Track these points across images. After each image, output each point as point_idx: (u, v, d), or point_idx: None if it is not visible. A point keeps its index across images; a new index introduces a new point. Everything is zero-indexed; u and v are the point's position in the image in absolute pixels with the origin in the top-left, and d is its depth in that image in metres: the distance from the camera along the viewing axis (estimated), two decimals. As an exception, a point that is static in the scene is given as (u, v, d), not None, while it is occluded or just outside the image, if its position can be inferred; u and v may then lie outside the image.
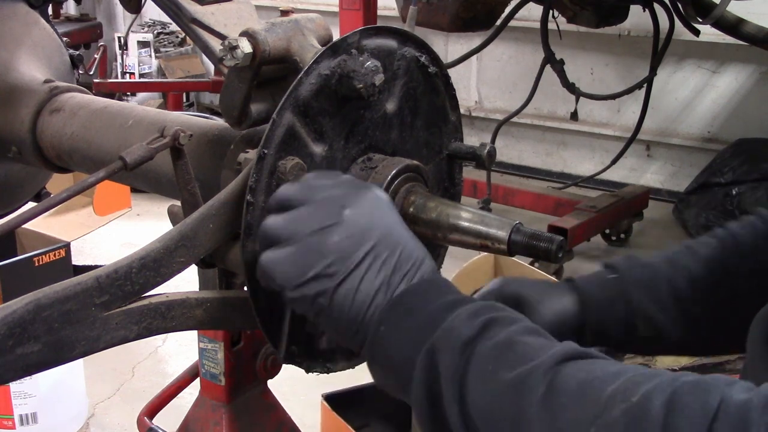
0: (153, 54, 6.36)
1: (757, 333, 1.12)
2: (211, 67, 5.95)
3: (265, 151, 0.93)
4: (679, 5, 3.62)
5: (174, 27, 6.34)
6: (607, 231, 4.22)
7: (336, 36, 1.02)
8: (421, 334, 0.83)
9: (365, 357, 0.88)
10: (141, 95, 6.31)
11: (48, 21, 1.59)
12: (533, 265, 2.90)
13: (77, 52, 1.63)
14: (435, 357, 0.81)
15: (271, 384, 1.40)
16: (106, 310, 0.89)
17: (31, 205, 1.66)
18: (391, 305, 0.86)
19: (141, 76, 6.29)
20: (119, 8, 6.99)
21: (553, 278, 2.71)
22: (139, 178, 1.20)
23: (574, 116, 4.16)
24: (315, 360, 1.06)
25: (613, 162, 4.36)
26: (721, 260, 1.22)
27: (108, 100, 1.36)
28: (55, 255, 2.95)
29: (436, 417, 0.81)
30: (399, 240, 0.88)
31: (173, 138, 0.98)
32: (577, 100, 4.05)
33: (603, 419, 0.70)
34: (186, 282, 1.07)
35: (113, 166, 0.97)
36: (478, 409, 0.77)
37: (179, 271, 0.94)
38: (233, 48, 0.96)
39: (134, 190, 4.44)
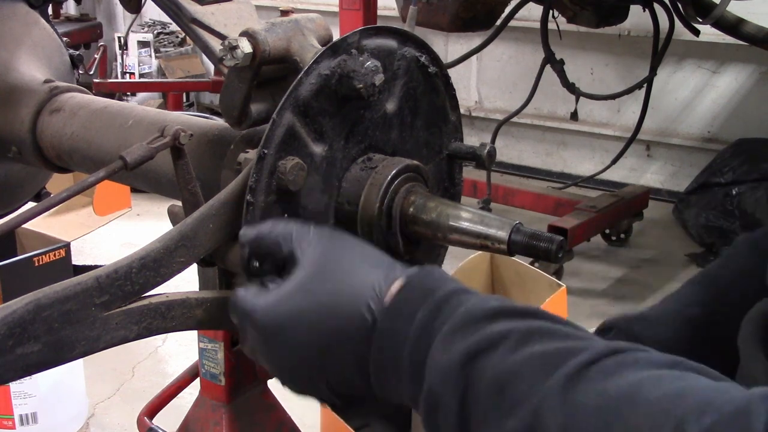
0: (153, 54, 6.36)
1: (748, 333, 1.13)
2: (211, 67, 5.95)
3: (265, 151, 0.93)
4: (679, 5, 3.62)
5: (174, 27, 6.34)
6: (607, 231, 4.22)
7: (336, 36, 1.02)
8: (419, 378, 0.77)
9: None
10: (141, 95, 6.30)
11: (48, 21, 1.59)
12: (533, 265, 2.90)
13: (77, 52, 1.63)
14: (433, 404, 0.75)
15: (271, 384, 1.40)
16: (106, 310, 0.89)
17: (31, 205, 1.66)
18: (372, 364, 0.81)
19: (141, 76, 6.29)
20: (119, 8, 6.99)
21: (554, 278, 2.71)
22: (139, 178, 1.20)
23: (574, 116, 4.16)
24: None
25: (613, 162, 4.36)
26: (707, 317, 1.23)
27: (108, 100, 1.36)
28: (55, 255, 2.94)
29: None
30: (314, 336, 0.84)
31: (174, 137, 0.98)
32: (577, 100, 4.05)
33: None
34: (186, 282, 1.07)
35: (113, 165, 0.97)
36: None
37: (179, 271, 0.94)
38: (233, 48, 0.96)
39: (134, 190, 4.44)
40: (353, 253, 0.87)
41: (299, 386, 0.89)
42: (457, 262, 2.73)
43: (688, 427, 0.61)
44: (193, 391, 1.46)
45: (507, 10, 3.88)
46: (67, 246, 3.05)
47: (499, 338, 0.73)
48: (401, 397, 0.81)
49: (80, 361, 2.47)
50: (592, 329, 3.07)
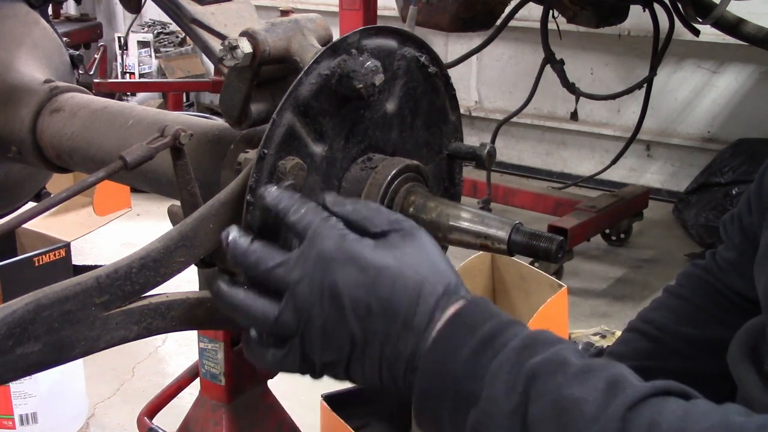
0: (153, 54, 6.36)
1: (737, 354, 1.14)
2: (211, 67, 5.95)
3: (265, 151, 0.93)
4: (679, 5, 3.62)
5: (174, 27, 6.34)
6: (607, 231, 4.22)
7: (336, 36, 1.02)
8: (460, 408, 0.77)
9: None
10: (141, 95, 6.30)
11: (48, 21, 1.59)
12: (533, 265, 2.90)
13: (77, 52, 1.63)
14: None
15: (271, 384, 1.40)
16: (106, 310, 0.89)
17: (31, 205, 1.66)
18: (417, 387, 0.80)
19: (141, 76, 6.29)
20: (119, 8, 6.99)
21: (554, 278, 2.71)
22: (139, 178, 1.20)
23: (574, 116, 4.16)
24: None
25: (613, 162, 4.36)
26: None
27: (108, 100, 1.36)
28: (55, 255, 2.95)
29: None
30: (384, 296, 0.81)
31: (174, 137, 0.98)
32: (577, 100, 4.05)
33: None
34: (186, 282, 1.07)
35: (113, 165, 0.97)
36: None
37: (179, 271, 0.94)
38: (233, 48, 0.96)
39: (134, 190, 4.44)
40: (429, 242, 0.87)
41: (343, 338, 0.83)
42: (457, 262, 2.73)
43: None
44: (193, 391, 1.46)
45: (507, 10, 3.88)
46: (67, 246, 3.05)
47: (557, 366, 0.74)
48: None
49: (80, 361, 2.47)
50: (592, 329, 3.07)
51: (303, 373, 0.88)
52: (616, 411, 0.69)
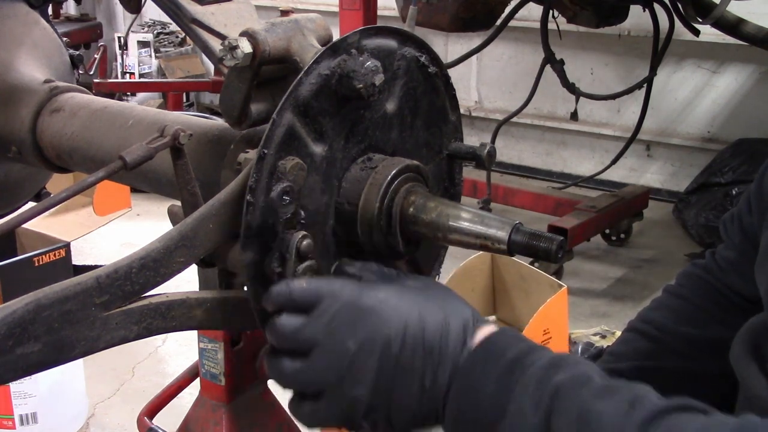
0: (153, 54, 6.36)
1: (740, 352, 1.14)
2: (211, 67, 5.95)
3: (265, 151, 0.93)
4: (679, 5, 3.62)
5: (174, 27, 6.34)
6: (607, 231, 4.22)
7: (336, 36, 1.02)
8: (490, 423, 0.81)
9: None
10: (141, 95, 6.30)
11: (48, 21, 1.59)
12: (533, 265, 2.90)
13: (77, 52, 1.63)
14: None
15: (271, 384, 1.40)
16: (106, 310, 0.89)
17: (31, 205, 1.67)
18: (453, 396, 0.84)
19: (141, 76, 6.29)
20: (119, 8, 6.99)
21: (554, 278, 2.71)
22: (139, 178, 1.20)
23: (574, 116, 4.16)
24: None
25: (613, 162, 4.36)
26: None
27: (108, 100, 1.36)
28: (55, 255, 2.95)
29: None
30: (416, 328, 0.86)
31: (173, 137, 0.98)
32: (577, 100, 4.05)
33: None
34: (186, 282, 1.07)
35: (113, 165, 0.97)
36: None
37: (179, 271, 0.94)
38: (233, 48, 0.96)
39: (134, 190, 4.44)
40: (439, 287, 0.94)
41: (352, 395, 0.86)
42: (457, 262, 2.74)
43: None
44: (193, 391, 1.46)
45: (507, 10, 3.88)
46: (67, 246, 3.05)
47: (582, 383, 0.78)
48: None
49: (80, 361, 2.47)
50: (592, 329, 3.06)
51: (344, 423, 0.89)
52: (635, 421, 0.72)
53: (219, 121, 1.20)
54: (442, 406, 0.85)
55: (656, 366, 1.31)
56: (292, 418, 0.93)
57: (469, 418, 0.82)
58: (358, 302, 0.87)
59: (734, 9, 3.48)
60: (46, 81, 1.40)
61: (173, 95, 5.72)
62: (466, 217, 0.99)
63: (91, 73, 4.96)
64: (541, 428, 0.77)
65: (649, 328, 1.39)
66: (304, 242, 0.94)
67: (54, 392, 2.56)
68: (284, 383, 0.91)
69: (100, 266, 0.89)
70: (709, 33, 3.98)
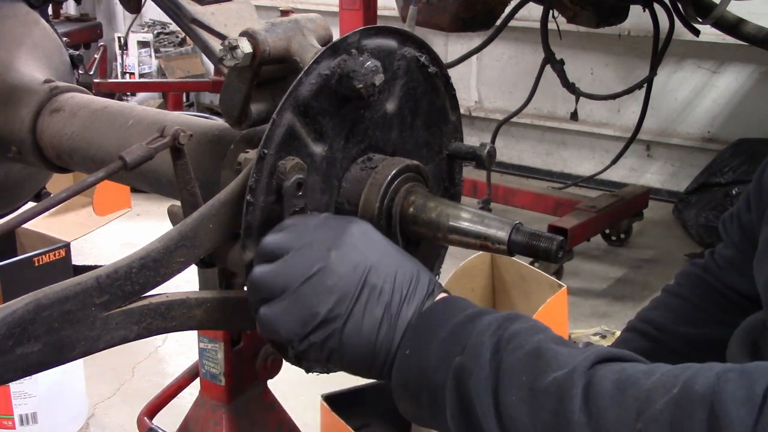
0: (153, 54, 6.36)
1: (737, 349, 1.14)
2: (211, 67, 5.95)
3: (265, 151, 0.93)
4: (679, 5, 3.62)
5: (174, 27, 6.34)
6: (607, 231, 4.22)
7: (336, 36, 1.02)
8: (447, 356, 0.83)
9: (391, 385, 0.89)
10: (141, 95, 6.30)
11: (48, 21, 1.59)
12: (533, 265, 2.90)
13: (77, 52, 1.63)
14: (464, 376, 0.81)
15: (271, 384, 1.40)
16: (106, 310, 0.89)
17: (31, 205, 1.67)
18: (412, 331, 0.87)
19: (141, 76, 6.29)
20: (119, 8, 6.99)
21: (554, 278, 2.71)
22: (138, 178, 1.20)
23: (574, 116, 4.16)
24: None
25: (613, 162, 4.36)
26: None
27: (108, 100, 1.36)
28: (55, 255, 2.95)
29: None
30: (390, 266, 0.90)
31: (173, 138, 0.98)
32: (577, 100, 4.05)
33: (647, 414, 0.70)
34: (186, 282, 1.07)
35: (113, 165, 0.97)
36: (517, 422, 0.77)
37: (179, 271, 0.94)
38: (233, 48, 0.96)
39: (134, 190, 4.44)
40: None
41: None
42: (457, 262, 2.73)
43: (698, 380, 0.70)
44: (193, 391, 1.46)
45: (507, 10, 3.88)
46: (67, 246, 3.05)
47: (539, 330, 0.84)
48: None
49: (80, 361, 2.47)
50: (592, 329, 3.06)
51: (295, 333, 0.88)
52: (588, 358, 0.77)
53: (219, 121, 1.20)
54: (398, 343, 0.87)
55: None
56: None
57: (426, 356, 0.84)
58: (346, 225, 0.92)
59: (734, 9, 3.48)
60: (46, 81, 1.40)
61: (173, 95, 5.71)
62: (466, 217, 0.99)
63: (91, 73, 4.96)
64: (495, 360, 0.80)
65: (648, 328, 1.39)
66: None
67: (54, 392, 2.56)
68: (252, 289, 0.92)
69: (100, 266, 0.89)
70: (709, 33, 3.98)
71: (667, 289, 1.44)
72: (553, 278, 2.70)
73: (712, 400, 0.68)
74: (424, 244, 1.07)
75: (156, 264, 0.91)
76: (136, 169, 0.97)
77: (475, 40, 4.50)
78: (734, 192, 4.17)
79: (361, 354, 0.87)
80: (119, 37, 6.36)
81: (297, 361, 0.97)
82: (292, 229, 0.92)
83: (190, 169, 1.02)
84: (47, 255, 2.92)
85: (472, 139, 5.21)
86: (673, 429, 0.69)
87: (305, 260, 0.88)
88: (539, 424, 0.75)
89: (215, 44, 1.27)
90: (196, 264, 0.99)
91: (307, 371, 1.05)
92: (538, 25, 4.00)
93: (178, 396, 1.67)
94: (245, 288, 0.98)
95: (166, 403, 1.67)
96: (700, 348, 1.32)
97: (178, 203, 1.07)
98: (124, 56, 6.30)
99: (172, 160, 1.00)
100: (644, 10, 3.87)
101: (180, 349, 3.25)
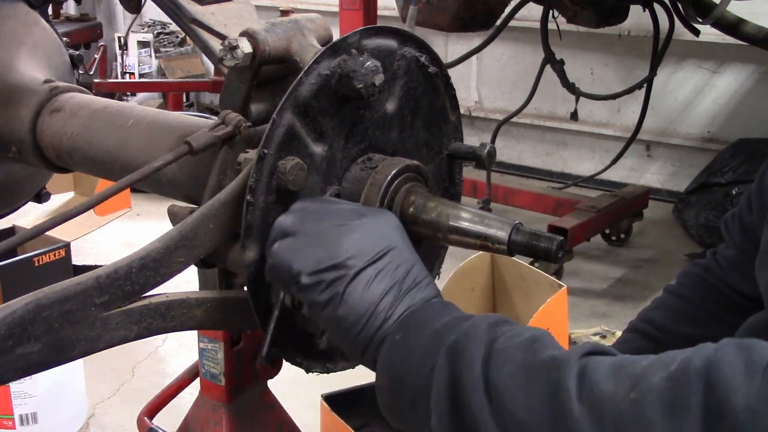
0: (153, 54, 6.36)
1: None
2: (211, 67, 5.95)
3: (265, 151, 0.93)
4: (679, 5, 3.62)
5: (174, 27, 6.33)
6: (607, 231, 4.22)
7: (336, 36, 1.02)
8: (441, 339, 0.83)
9: (373, 363, 0.88)
10: (141, 95, 6.30)
11: (48, 21, 1.59)
12: (533, 265, 2.90)
13: (77, 52, 1.63)
14: (457, 352, 0.81)
15: (271, 384, 1.40)
16: (106, 310, 0.89)
17: (30, 205, 1.67)
18: (409, 314, 0.87)
19: (141, 76, 6.29)
20: (119, 8, 6.99)
21: (554, 278, 2.71)
22: (139, 178, 1.20)
23: (574, 116, 4.16)
24: (315, 360, 1.06)
25: (613, 162, 4.36)
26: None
27: (108, 100, 1.36)
28: (55, 255, 2.94)
29: (458, 411, 0.79)
30: (411, 256, 0.91)
31: (235, 126, 0.99)
32: (577, 100, 4.05)
33: (642, 385, 0.69)
34: (186, 282, 1.07)
35: (180, 150, 0.98)
36: (507, 392, 0.76)
37: (179, 271, 0.94)
38: (233, 48, 0.97)
39: (134, 190, 4.43)
40: None
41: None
42: (457, 262, 2.73)
43: (695, 356, 0.70)
44: (193, 391, 1.46)
45: (507, 10, 3.88)
46: (67, 246, 3.05)
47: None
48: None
49: (80, 361, 2.47)
50: (592, 329, 3.06)
51: (307, 264, 0.89)
52: (585, 347, 0.77)
53: (219, 121, 1.20)
54: (396, 320, 0.87)
55: None
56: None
57: (418, 338, 0.84)
58: (380, 210, 0.96)
59: (734, 9, 3.47)
60: (46, 81, 1.40)
61: (173, 95, 5.71)
62: (466, 217, 0.99)
63: (91, 73, 4.96)
64: (490, 338, 0.80)
65: (649, 327, 1.39)
66: None
67: (54, 392, 2.56)
68: (273, 230, 0.93)
69: (100, 266, 0.89)
70: (709, 33, 3.98)
71: (669, 289, 1.44)
72: (553, 278, 2.70)
73: (709, 369, 0.68)
74: (424, 244, 1.07)
75: (156, 264, 0.91)
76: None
77: (475, 40, 4.50)
78: (734, 192, 4.17)
79: (359, 312, 0.87)
80: (119, 37, 6.36)
81: (292, 305, 0.97)
82: (324, 200, 0.96)
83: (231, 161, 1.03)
84: (47, 255, 2.92)
85: (472, 139, 5.21)
86: (669, 397, 0.68)
87: (337, 215, 0.91)
88: (531, 398, 0.74)
89: (215, 44, 1.27)
90: (196, 264, 0.99)
91: (307, 371, 1.06)
92: (538, 25, 4.00)
93: (178, 396, 1.67)
94: (245, 288, 0.98)
95: (166, 403, 1.67)
96: None
97: (178, 203, 1.07)
98: (124, 56, 6.30)
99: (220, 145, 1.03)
100: (644, 10, 3.87)
101: (180, 349, 3.25)
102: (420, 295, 0.89)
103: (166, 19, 6.26)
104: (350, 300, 0.87)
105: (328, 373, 1.07)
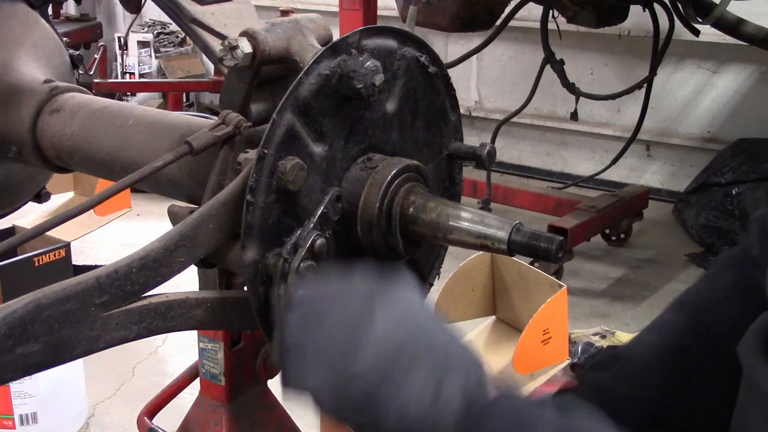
0: (153, 54, 6.36)
1: (752, 346, 1.13)
2: (211, 67, 5.95)
3: (265, 151, 0.93)
4: (679, 5, 3.62)
5: (174, 27, 6.33)
6: (607, 231, 4.22)
7: (336, 36, 1.02)
8: None
9: None
10: (141, 95, 6.30)
11: (48, 21, 1.59)
12: (533, 265, 2.90)
13: (77, 52, 1.63)
14: None
15: (271, 384, 1.40)
16: (106, 310, 0.89)
17: (30, 205, 1.67)
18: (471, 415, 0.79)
19: (141, 76, 6.29)
20: (119, 8, 6.99)
21: (554, 278, 2.71)
22: (139, 178, 1.20)
23: (574, 116, 4.16)
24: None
25: (613, 162, 4.36)
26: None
27: (108, 100, 1.36)
28: (55, 255, 2.94)
29: None
30: (442, 346, 0.81)
31: (236, 126, 0.99)
32: (577, 100, 4.05)
33: None
34: (186, 282, 1.07)
35: (180, 150, 0.98)
36: None
37: (179, 271, 0.95)
38: (233, 48, 0.97)
39: (134, 190, 4.42)
40: None
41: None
42: (457, 262, 2.73)
43: None
44: (193, 391, 1.46)
45: (507, 10, 3.88)
46: (67, 246, 3.05)
47: None
48: None
49: (80, 361, 2.47)
50: (592, 329, 3.05)
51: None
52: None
53: (219, 121, 1.20)
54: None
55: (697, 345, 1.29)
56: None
57: None
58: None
59: (734, 9, 3.47)
60: (46, 81, 1.40)
61: (173, 95, 5.71)
62: (466, 217, 0.99)
63: (91, 73, 4.96)
64: None
65: (686, 307, 1.34)
66: (318, 241, 0.95)
67: (54, 392, 2.56)
68: (290, 343, 0.83)
69: (100, 266, 0.89)
70: (709, 33, 3.97)
71: (707, 273, 1.41)
72: (553, 278, 2.70)
73: None
74: (424, 244, 1.07)
75: (156, 264, 0.91)
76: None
77: (475, 40, 4.50)
78: (734, 192, 4.17)
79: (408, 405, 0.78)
80: (119, 37, 6.36)
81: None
82: (332, 288, 0.83)
83: (231, 159, 1.03)
84: (47, 255, 2.92)
85: (472, 139, 5.21)
86: None
87: (346, 329, 0.80)
88: None
89: (215, 44, 1.27)
90: (196, 264, 0.99)
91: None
92: (538, 25, 4.00)
93: (178, 396, 1.67)
94: (245, 288, 0.98)
95: (166, 403, 1.67)
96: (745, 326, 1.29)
97: (178, 203, 1.07)
98: (124, 56, 6.29)
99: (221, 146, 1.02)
100: (644, 10, 3.87)
101: (180, 349, 3.25)
102: (455, 384, 0.79)
103: (166, 19, 6.26)
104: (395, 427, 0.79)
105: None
